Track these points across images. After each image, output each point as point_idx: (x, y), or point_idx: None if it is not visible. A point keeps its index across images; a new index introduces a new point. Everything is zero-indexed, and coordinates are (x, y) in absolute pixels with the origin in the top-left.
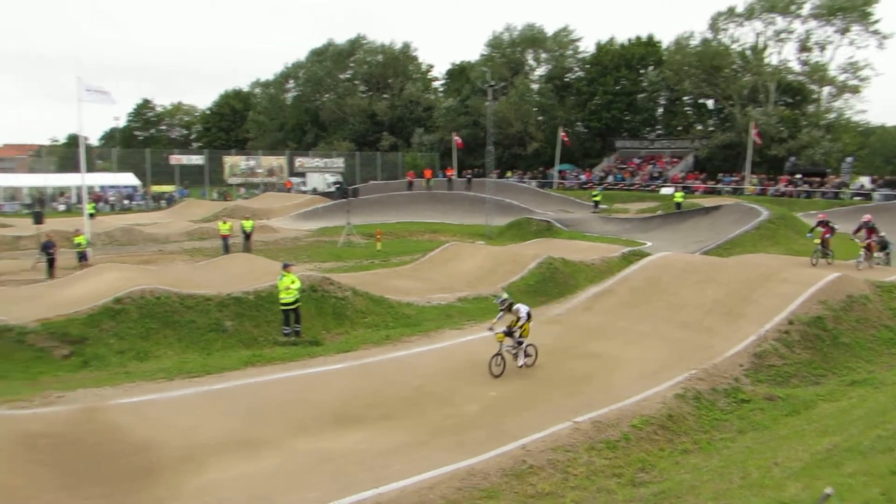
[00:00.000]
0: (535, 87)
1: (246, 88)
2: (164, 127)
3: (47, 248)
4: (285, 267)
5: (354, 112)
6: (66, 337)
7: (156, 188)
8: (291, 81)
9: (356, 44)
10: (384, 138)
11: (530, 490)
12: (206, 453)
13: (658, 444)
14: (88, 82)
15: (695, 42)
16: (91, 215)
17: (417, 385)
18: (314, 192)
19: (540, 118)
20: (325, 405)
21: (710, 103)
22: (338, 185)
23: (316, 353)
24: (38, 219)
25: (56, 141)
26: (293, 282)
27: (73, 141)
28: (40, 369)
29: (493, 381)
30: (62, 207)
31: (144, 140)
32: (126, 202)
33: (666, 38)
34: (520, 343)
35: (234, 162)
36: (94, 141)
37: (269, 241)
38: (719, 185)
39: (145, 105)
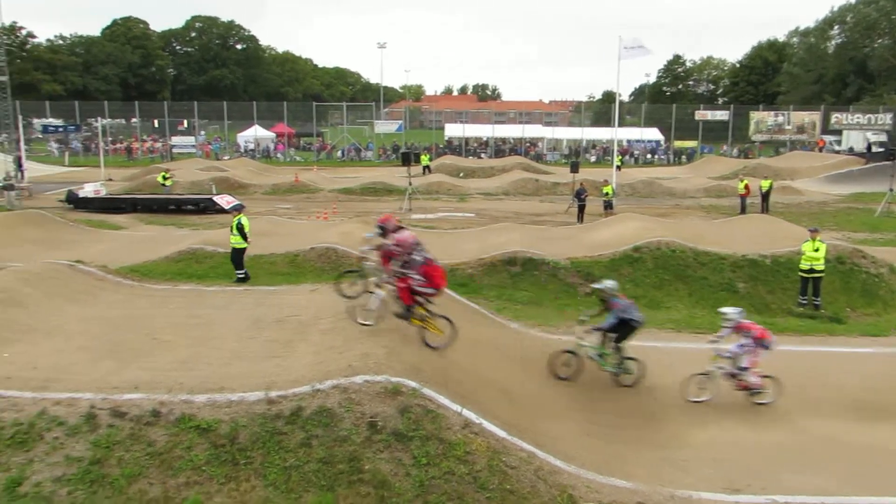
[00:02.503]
0: None
1: (782, 38)
2: (691, 82)
3: (580, 195)
4: (812, 232)
5: None
6: (589, 276)
7: (678, 143)
8: (836, 27)
9: None
10: None
11: None
12: (707, 410)
13: None
14: (628, 41)
15: None
16: (618, 167)
17: None
18: (850, 151)
19: None
20: (846, 390)
21: None
22: (882, 146)
23: (836, 330)
24: (574, 168)
25: (592, 97)
26: (817, 249)
27: (608, 97)
28: (567, 301)
29: None
30: (593, 159)
31: (671, 96)
32: (649, 156)
33: None
34: None
35: (761, 118)
36: (625, 97)
37: (791, 203)
38: None
39: (675, 61)
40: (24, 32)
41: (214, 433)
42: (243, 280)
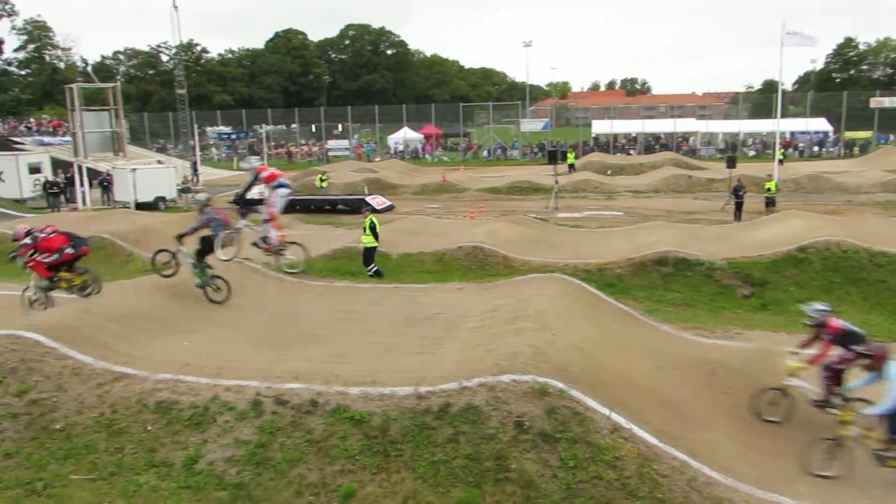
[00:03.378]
0: None
1: None
2: (865, 67)
3: (737, 192)
4: None
5: None
6: (748, 278)
7: (850, 134)
8: None
9: None
10: None
11: None
12: None
13: None
14: (791, 27)
15: None
16: (780, 161)
17: None
18: None
19: None
20: None
21: None
22: None
23: None
24: (731, 163)
25: (751, 87)
26: None
27: (768, 87)
28: (722, 304)
29: None
30: (752, 153)
31: (842, 82)
32: (816, 148)
33: None
34: None
35: None
36: (788, 86)
37: None
38: None
39: (847, 44)
40: (199, 48)
41: (367, 424)
42: (376, 276)
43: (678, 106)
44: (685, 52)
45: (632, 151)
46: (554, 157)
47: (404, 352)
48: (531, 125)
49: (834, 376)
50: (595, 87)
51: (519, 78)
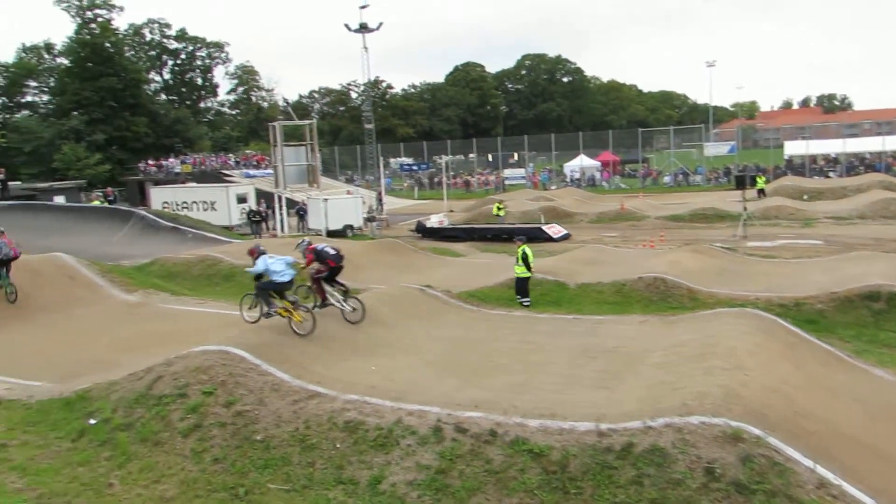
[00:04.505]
0: None
1: None
2: None
3: None
4: None
5: None
6: None
7: None
8: None
9: None
10: None
11: None
12: None
13: None
14: None
15: None
16: None
17: None
18: None
19: None
20: None
21: None
22: None
23: None
24: None
25: None
26: None
27: None
28: None
29: None
30: None
31: None
32: None
33: None
34: None
35: None
36: None
37: None
38: None
39: None
40: (384, 84)
41: (546, 458)
42: (528, 306)
43: (886, 122)
44: (891, 63)
45: (832, 174)
46: (742, 181)
47: (584, 385)
48: (716, 149)
49: None
50: (787, 106)
51: (701, 100)
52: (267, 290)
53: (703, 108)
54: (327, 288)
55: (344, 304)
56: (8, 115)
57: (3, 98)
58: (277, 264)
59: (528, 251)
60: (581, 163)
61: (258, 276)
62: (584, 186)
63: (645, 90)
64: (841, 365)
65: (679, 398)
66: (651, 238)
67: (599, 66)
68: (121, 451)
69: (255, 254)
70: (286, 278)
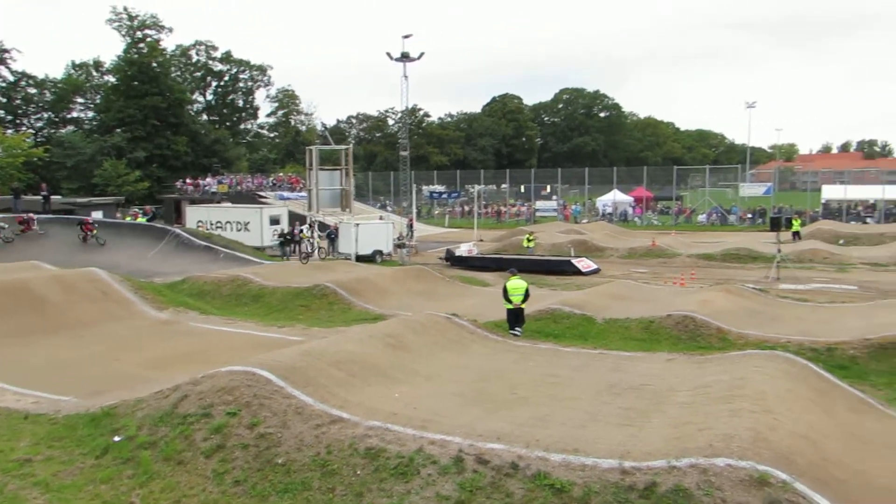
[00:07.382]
0: None
1: None
2: None
3: None
4: None
5: None
6: None
7: None
8: None
9: None
10: None
11: None
12: None
13: None
14: None
15: None
16: None
17: None
18: None
19: None
20: None
21: None
22: None
23: None
24: None
25: None
26: None
27: None
28: None
29: None
30: None
31: None
32: None
33: None
34: None
35: None
36: None
37: None
38: None
39: None
40: (421, 113)
41: (567, 495)
42: (518, 335)
43: None
44: None
45: (869, 220)
46: (777, 223)
47: (608, 422)
48: (751, 189)
49: None
50: (826, 150)
51: (738, 140)
52: None
53: (741, 149)
54: None
55: None
56: (53, 131)
57: (50, 113)
58: None
59: (511, 284)
60: (614, 197)
61: None
62: (615, 221)
63: (682, 128)
64: (873, 412)
65: (705, 439)
66: (682, 276)
67: (637, 101)
68: (143, 470)
69: None
70: None
